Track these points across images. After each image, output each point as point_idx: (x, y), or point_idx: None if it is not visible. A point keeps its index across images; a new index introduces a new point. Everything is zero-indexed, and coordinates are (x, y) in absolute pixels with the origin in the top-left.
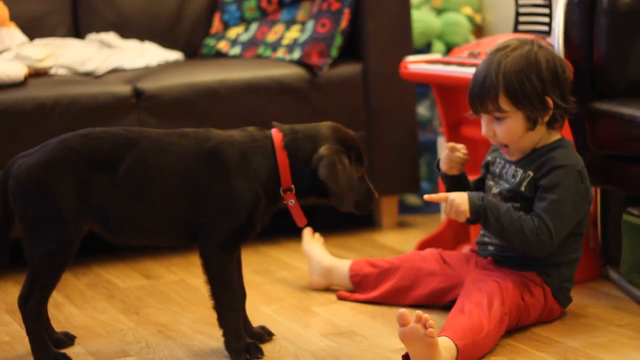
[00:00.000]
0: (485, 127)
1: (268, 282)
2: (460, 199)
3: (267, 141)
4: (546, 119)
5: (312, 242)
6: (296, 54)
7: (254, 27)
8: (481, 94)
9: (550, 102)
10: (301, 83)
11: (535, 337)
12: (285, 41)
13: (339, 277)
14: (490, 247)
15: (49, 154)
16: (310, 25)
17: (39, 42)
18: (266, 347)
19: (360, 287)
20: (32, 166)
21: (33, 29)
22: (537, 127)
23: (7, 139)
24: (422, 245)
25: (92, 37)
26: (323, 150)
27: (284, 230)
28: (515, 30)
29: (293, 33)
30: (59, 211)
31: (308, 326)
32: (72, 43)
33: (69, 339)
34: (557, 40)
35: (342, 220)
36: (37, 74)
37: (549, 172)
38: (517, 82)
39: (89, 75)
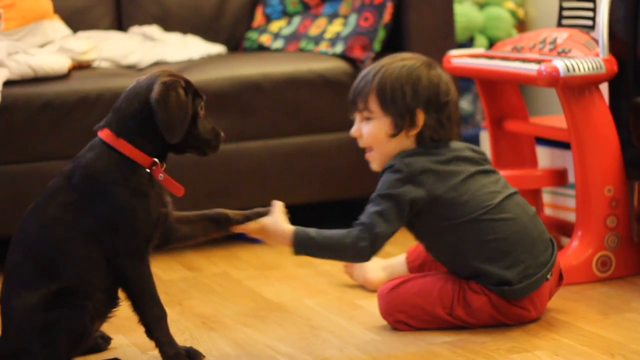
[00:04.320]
0: (355, 126)
1: (311, 275)
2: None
3: (105, 148)
4: (412, 132)
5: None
6: (339, 48)
7: (296, 20)
8: (355, 91)
9: (420, 118)
10: (344, 77)
11: (579, 331)
12: (328, 35)
13: (398, 269)
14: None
15: None
16: (352, 18)
17: (82, 35)
18: (309, 340)
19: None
20: None
21: (76, 22)
22: (401, 137)
23: (51, 132)
24: None
25: (135, 30)
26: (157, 83)
27: (326, 224)
28: (559, 24)
29: (335, 27)
30: None
31: (352, 319)
32: (115, 36)
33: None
34: (601, 34)
35: None
36: (80, 67)
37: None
38: (389, 87)
39: (132, 68)
